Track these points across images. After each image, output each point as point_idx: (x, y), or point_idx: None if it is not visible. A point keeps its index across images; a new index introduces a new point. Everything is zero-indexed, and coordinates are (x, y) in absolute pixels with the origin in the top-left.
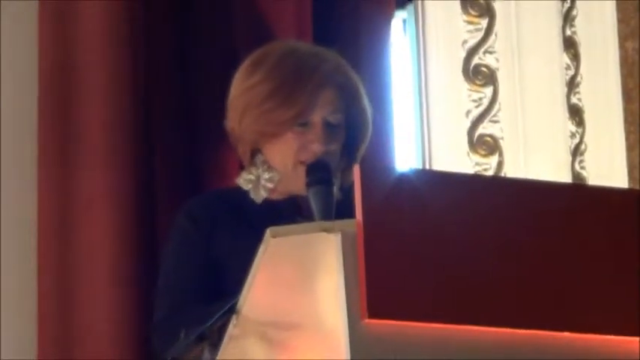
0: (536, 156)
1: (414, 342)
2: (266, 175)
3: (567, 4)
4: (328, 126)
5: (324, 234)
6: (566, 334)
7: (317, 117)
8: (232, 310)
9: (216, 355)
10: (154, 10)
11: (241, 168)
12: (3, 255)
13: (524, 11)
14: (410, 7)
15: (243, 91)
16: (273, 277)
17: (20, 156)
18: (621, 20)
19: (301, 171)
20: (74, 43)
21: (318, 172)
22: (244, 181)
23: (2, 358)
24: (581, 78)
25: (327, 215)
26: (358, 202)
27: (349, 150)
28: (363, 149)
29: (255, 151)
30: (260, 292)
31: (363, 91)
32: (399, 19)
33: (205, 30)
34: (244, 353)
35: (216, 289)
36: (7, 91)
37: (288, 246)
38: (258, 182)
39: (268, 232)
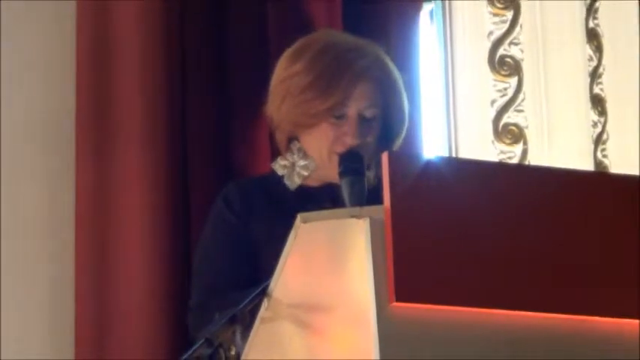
0: (559, 144)
1: (439, 324)
2: (301, 163)
3: None
4: (363, 120)
5: (353, 220)
6: (586, 317)
7: (352, 110)
8: (264, 294)
9: (248, 337)
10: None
11: (275, 153)
12: (44, 235)
13: (548, 4)
14: None
15: (284, 79)
16: (304, 262)
17: (59, 141)
18: None
19: (335, 160)
20: (109, 28)
21: (350, 163)
22: (279, 166)
23: (41, 336)
24: (604, 69)
25: (357, 203)
26: (386, 189)
27: (386, 142)
28: (399, 142)
29: (291, 139)
30: (291, 275)
31: (401, 86)
32: (427, 10)
33: (240, 19)
34: (275, 335)
35: (251, 272)
36: (46, 80)
37: (318, 231)
38: (293, 169)
39: (299, 217)
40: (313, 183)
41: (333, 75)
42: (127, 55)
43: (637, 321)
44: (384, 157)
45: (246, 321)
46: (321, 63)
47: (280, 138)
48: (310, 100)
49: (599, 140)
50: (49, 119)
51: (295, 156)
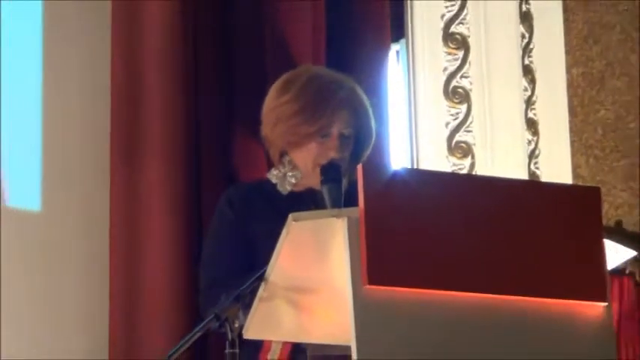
0: (500, 159)
1: (405, 303)
2: (290, 173)
3: (526, 40)
4: (342, 137)
5: (334, 219)
6: (534, 299)
7: (335, 130)
8: (262, 278)
9: (248, 313)
10: (199, 42)
11: (269, 164)
12: (85, 228)
13: (491, 45)
14: (402, 41)
15: (275, 107)
16: (295, 252)
17: (96, 150)
18: (568, 52)
19: (317, 171)
20: (139, 53)
21: (330, 173)
22: (273, 175)
23: (77, 308)
24: (536, 98)
25: (336, 205)
26: (361, 193)
27: (356, 155)
28: (366, 154)
29: (282, 153)
30: (284, 263)
31: (370, 111)
32: (395, 50)
33: (242, 50)
34: (271, 312)
35: (248, 262)
36: (85, 94)
37: (306, 228)
38: (284, 177)
39: (290, 217)
40: (299, 189)
41: (319, 103)
42: (152, 78)
43: (587, 302)
44: (359, 168)
45: (247, 300)
46: (307, 93)
47: (273, 153)
48: (300, 125)
49: (532, 155)
50: (87, 130)
51: (286, 168)
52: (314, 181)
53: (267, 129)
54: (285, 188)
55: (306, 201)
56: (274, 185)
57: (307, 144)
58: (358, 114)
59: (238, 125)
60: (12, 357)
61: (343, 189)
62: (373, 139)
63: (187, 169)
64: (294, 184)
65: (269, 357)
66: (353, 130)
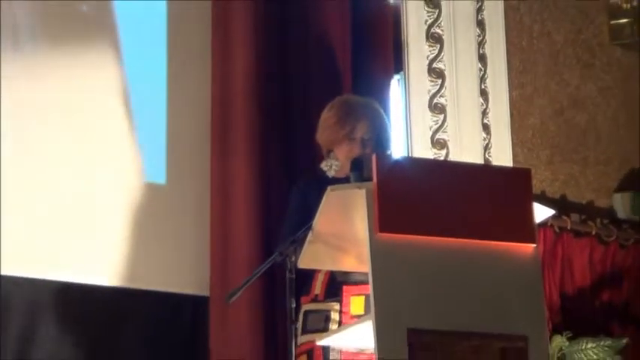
0: (465, 150)
1: (409, 246)
2: (335, 164)
3: (482, 72)
4: (363, 141)
5: (357, 190)
6: (486, 241)
7: (358, 136)
8: (310, 228)
9: (301, 251)
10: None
11: (321, 159)
12: (195, 197)
13: (459, 76)
14: (401, 73)
15: (323, 121)
16: (331, 212)
17: (201, 144)
18: (509, 80)
19: (348, 163)
20: (230, 69)
21: (355, 165)
22: (323, 165)
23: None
24: (489, 110)
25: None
26: (374, 173)
27: (381, 152)
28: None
29: (329, 151)
30: (325, 218)
31: (387, 122)
32: (396, 79)
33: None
34: (316, 252)
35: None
36: (193, 104)
37: (338, 195)
38: (330, 167)
39: (328, 188)
40: (340, 175)
41: (347, 117)
42: (239, 94)
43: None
44: (374, 157)
45: (301, 243)
46: (340, 111)
47: (324, 151)
48: (336, 130)
49: (486, 148)
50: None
51: (332, 160)
52: (348, 170)
53: (319, 136)
54: (331, 174)
55: (341, 182)
56: (324, 172)
57: (341, 143)
58: (375, 124)
59: (299, 135)
60: (151, 287)
61: (366, 176)
62: (391, 142)
63: (262, 161)
64: (337, 171)
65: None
66: (372, 135)
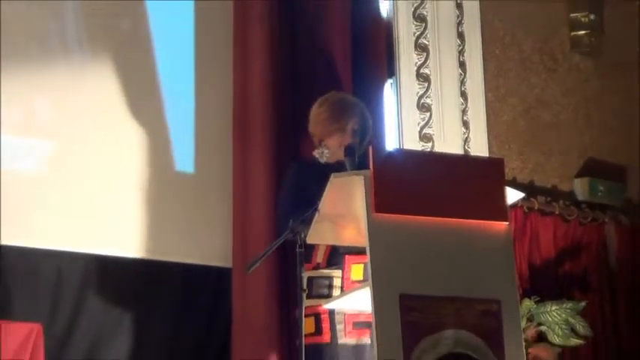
0: (448, 143)
1: (399, 223)
2: (326, 152)
3: (462, 76)
4: (353, 131)
5: (356, 176)
6: (466, 220)
7: (349, 128)
8: (317, 209)
9: (309, 228)
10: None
11: (314, 147)
12: (219, 187)
13: (443, 80)
14: (393, 77)
15: (315, 115)
16: (334, 195)
17: (224, 139)
18: (485, 84)
19: (341, 150)
20: (248, 71)
21: (349, 151)
22: (316, 153)
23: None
24: (468, 109)
25: (353, 169)
26: (371, 162)
27: (361, 142)
28: (368, 141)
29: (321, 141)
30: (329, 201)
31: (369, 117)
32: (390, 82)
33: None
34: (322, 229)
35: (305, 203)
36: (217, 104)
37: (341, 181)
38: (322, 154)
39: (332, 175)
40: (330, 161)
41: (341, 112)
42: (256, 92)
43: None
44: (371, 149)
45: (308, 222)
46: (334, 107)
47: (316, 140)
48: (329, 125)
49: (465, 141)
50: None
51: (323, 149)
52: (338, 156)
53: (311, 128)
54: (323, 160)
55: (335, 167)
56: (316, 159)
57: (334, 134)
58: (362, 119)
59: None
60: (181, 260)
61: (357, 160)
62: (370, 134)
63: (276, 153)
64: (328, 158)
65: (317, 256)
66: (359, 127)
